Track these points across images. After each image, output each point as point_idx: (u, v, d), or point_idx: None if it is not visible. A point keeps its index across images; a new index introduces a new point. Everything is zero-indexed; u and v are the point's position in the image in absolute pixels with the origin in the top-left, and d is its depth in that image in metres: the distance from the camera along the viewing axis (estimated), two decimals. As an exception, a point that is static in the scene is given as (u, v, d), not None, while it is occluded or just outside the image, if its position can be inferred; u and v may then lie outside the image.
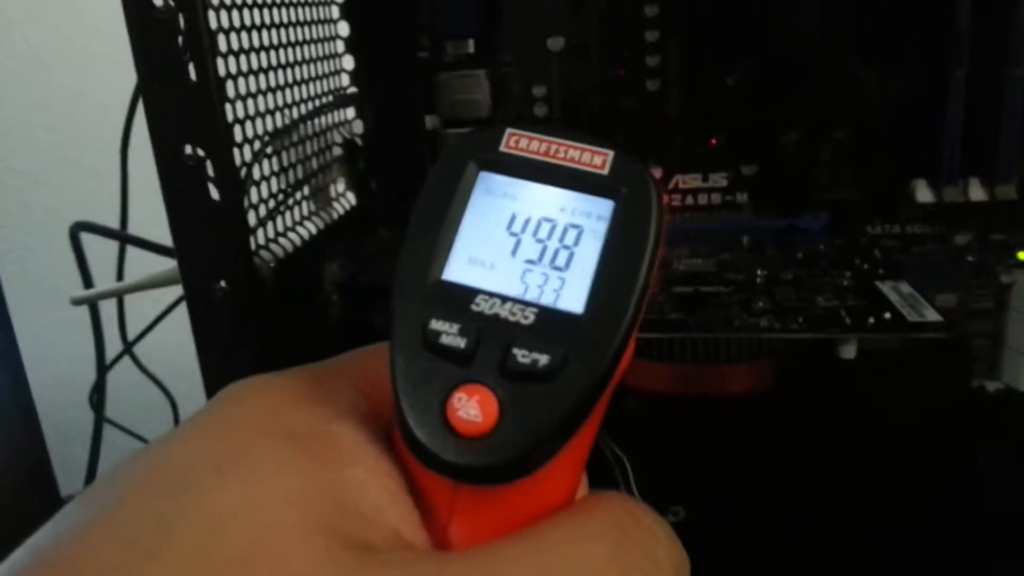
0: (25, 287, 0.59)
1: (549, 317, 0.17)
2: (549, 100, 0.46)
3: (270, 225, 0.31)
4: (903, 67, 0.42)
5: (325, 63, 0.39)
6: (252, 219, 0.30)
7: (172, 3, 0.22)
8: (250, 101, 0.29)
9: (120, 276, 0.53)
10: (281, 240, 0.32)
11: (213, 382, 0.28)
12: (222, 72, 0.25)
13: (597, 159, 0.18)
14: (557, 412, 0.16)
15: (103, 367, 0.53)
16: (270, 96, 0.31)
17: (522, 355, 0.16)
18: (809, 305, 0.35)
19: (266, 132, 0.32)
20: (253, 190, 0.29)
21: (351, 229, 0.40)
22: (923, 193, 0.43)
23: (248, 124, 0.29)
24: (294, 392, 0.18)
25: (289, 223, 0.34)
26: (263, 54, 0.30)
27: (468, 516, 0.17)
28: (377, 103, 0.43)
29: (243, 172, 0.28)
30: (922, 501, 0.42)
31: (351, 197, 0.41)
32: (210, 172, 0.25)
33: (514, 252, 0.18)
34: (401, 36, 0.43)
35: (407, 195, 0.49)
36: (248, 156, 0.29)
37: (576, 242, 0.18)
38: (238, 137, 0.27)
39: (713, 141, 0.45)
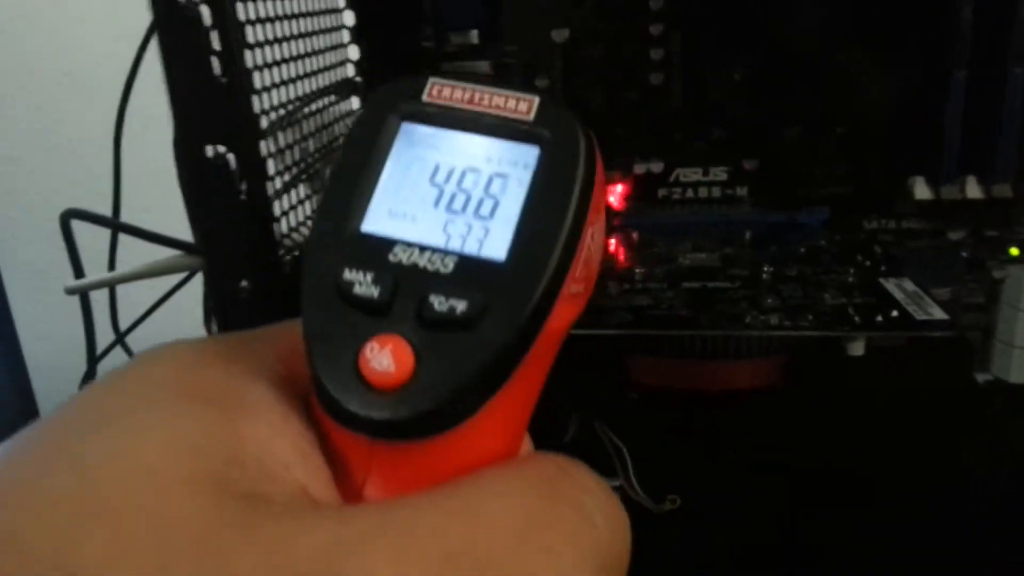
0: (14, 274, 0.57)
1: (470, 265, 0.16)
2: (552, 91, 0.45)
3: (284, 220, 0.31)
4: (904, 65, 0.42)
5: (332, 54, 0.38)
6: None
7: (200, -2, 0.22)
8: (268, 94, 0.28)
9: (112, 264, 0.52)
10: (294, 235, 0.32)
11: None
12: (249, 65, 0.25)
13: (522, 105, 0.17)
14: (476, 361, 0.15)
15: (94, 357, 0.52)
16: (285, 89, 0.31)
17: (439, 302, 0.16)
18: (817, 302, 0.36)
19: (278, 125, 0.31)
20: (269, 185, 0.29)
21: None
22: (921, 190, 0.43)
23: (265, 118, 0.28)
24: (208, 353, 0.17)
25: (301, 218, 0.33)
26: (282, 45, 0.30)
27: (385, 476, 0.16)
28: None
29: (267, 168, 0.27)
30: (914, 495, 0.43)
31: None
32: (234, 169, 0.24)
33: (436, 203, 0.17)
34: (406, 26, 0.43)
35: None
36: (269, 151, 0.28)
37: (502, 191, 0.17)
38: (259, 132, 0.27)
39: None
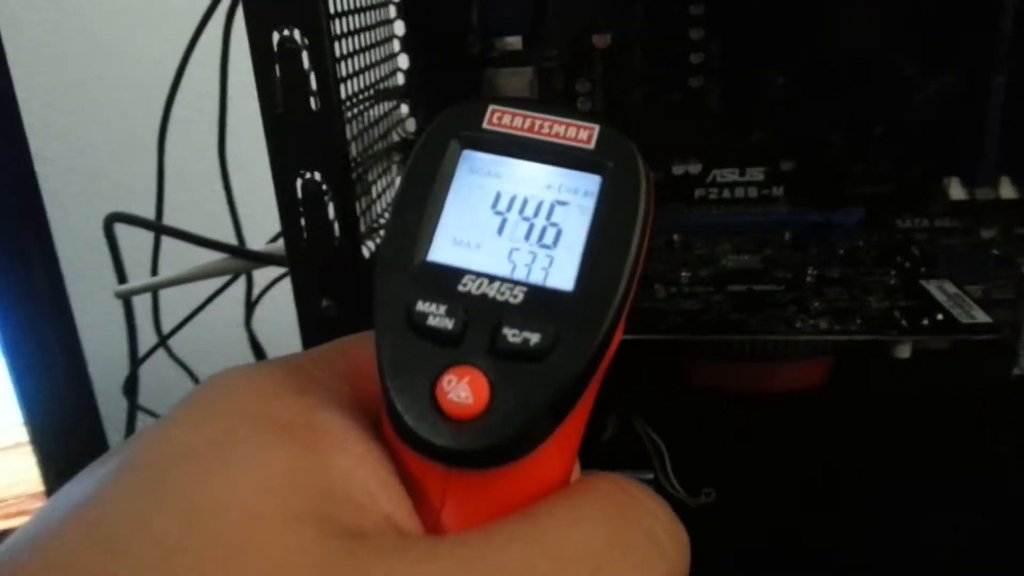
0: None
1: (539, 295, 0.17)
2: (592, 95, 0.46)
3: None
4: (943, 68, 0.43)
5: (386, 64, 0.39)
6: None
7: (298, 33, 0.23)
8: (354, 121, 0.29)
9: (155, 268, 0.53)
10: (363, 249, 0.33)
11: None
12: (343, 95, 0.26)
13: (583, 133, 0.18)
14: (549, 392, 0.16)
15: (136, 359, 0.53)
16: (368, 111, 0.31)
17: (512, 334, 0.16)
18: (863, 305, 0.37)
19: (364, 147, 0.32)
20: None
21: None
22: (956, 190, 0.44)
23: (353, 144, 0.29)
24: (276, 381, 0.17)
25: (364, 230, 0.34)
26: (365, 74, 0.30)
27: (461, 501, 0.16)
28: (428, 100, 0.44)
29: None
30: (950, 491, 0.44)
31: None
32: (327, 195, 0.25)
33: (500, 231, 0.18)
34: (454, 34, 0.43)
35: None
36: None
37: (564, 219, 0.17)
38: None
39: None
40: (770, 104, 0.45)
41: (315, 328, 0.26)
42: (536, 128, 0.18)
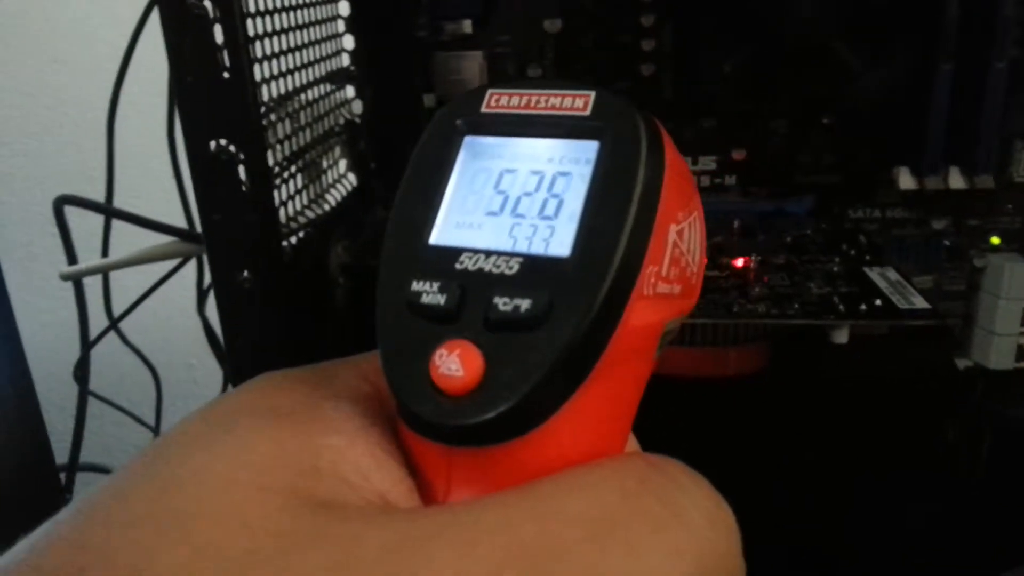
0: (5, 259, 0.58)
1: (534, 264, 0.16)
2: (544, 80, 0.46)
3: (283, 210, 0.31)
4: (891, 57, 0.43)
5: (328, 44, 0.39)
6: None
7: (208, 3, 0.22)
8: (267, 86, 0.29)
9: (105, 251, 0.52)
10: (292, 224, 0.33)
11: (240, 369, 0.28)
12: (256, 57, 0.25)
13: (579, 101, 0.17)
14: (545, 360, 0.15)
15: (87, 342, 0.53)
16: (284, 80, 0.31)
17: (503, 303, 0.15)
18: (803, 291, 0.37)
19: (277, 117, 0.32)
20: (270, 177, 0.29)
21: (353, 210, 0.40)
22: (905, 180, 0.44)
23: (266, 110, 0.29)
24: (294, 378, 0.18)
25: (299, 207, 0.34)
26: (282, 37, 0.30)
27: (467, 482, 0.16)
28: (376, 83, 0.43)
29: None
30: (899, 478, 0.44)
31: (352, 178, 0.41)
32: (241, 163, 0.25)
33: (502, 209, 0.17)
34: (400, 15, 0.43)
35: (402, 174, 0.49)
36: (270, 143, 0.29)
37: (565, 189, 0.17)
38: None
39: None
40: (720, 93, 0.45)
41: (232, 301, 0.26)
42: (533, 104, 0.18)
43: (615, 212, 0.16)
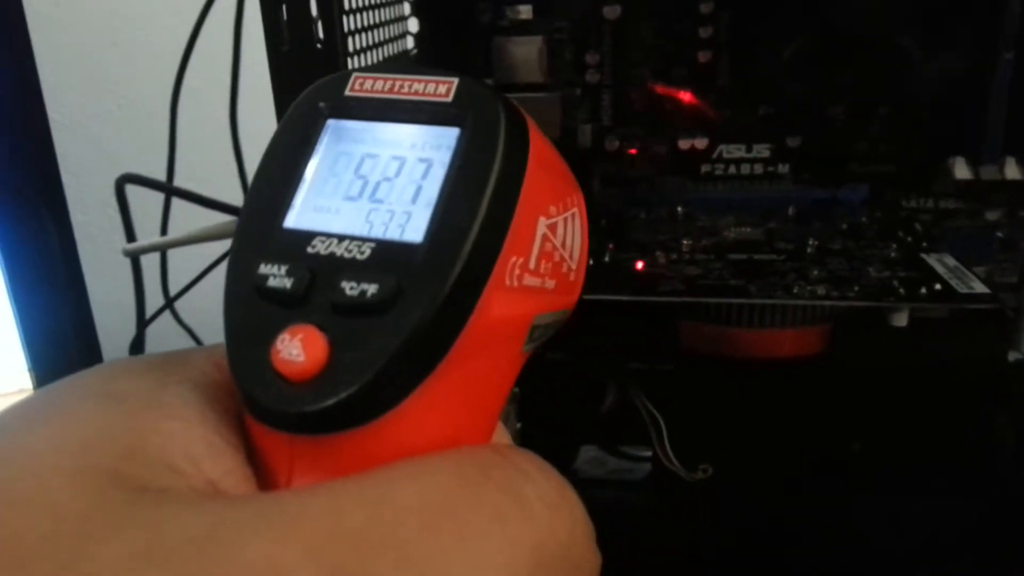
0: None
1: (386, 249, 0.16)
2: (601, 67, 0.47)
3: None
4: (950, 46, 0.43)
5: (395, 26, 0.40)
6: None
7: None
8: (357, 59, 0.29)
9: (165, 230, 0.53)
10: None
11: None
12: (347, 31, 0.26)
13: (441, 88, 0.17)
14: (390, 346, 0.14)
15: (143, 321, 0.54)
16: (369, 55, 0.32)
17: (350, 287, 0.15)
18: (862, 275, 0.37)
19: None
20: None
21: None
22: (961, 170, 0.44)
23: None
24: (145, 363, 0.17)
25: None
26: (367, 13, 0.31)
27: (310, 473, 0.15)
28: (437, 65, 0.44)
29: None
30: (948, 468, 0.44)
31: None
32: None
33: (360, 194, 0.17)
34: (465, 0, 0.44)
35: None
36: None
37: (424, 176, 0.17)
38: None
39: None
40: (776, 80, 0.45)
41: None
42: (396, 89, 0.17)
43: (469, 199, 0.16)
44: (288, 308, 0.15)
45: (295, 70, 0.24)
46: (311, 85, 0.18)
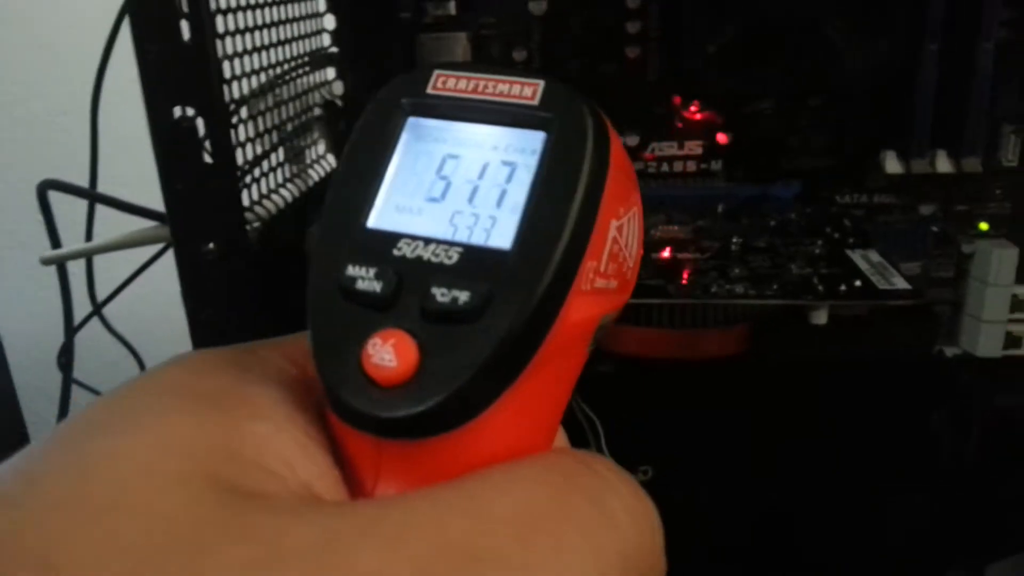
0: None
1: (474, 255, 0.16)
2: (529, 64, 0.46)
3: (255, 187, 0.31)
4: (878, 38, 0.42)
5: (307, 22, 0.38)
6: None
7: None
8: (239, 60, 0.29)
9: (89, 236, 0.52)
10: (265, 203, 0.32)
11: (203, 344, 0.28)
12: (220, 30, 0.25)
13: (527, 90, 0.17)
14: (482, 354, 0.15)
15: (71, 328, 0.53)
16: (257, 56, 0.31)
17: (441, 294, 0.15)
18: (783, 272, 0.36)
19: (250, 92, 0.32)
20: (239, 152, 0.29)
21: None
22: (892, 164, 0.44)
23: (236, 84, 0.28)
24: (220, 359, 0.17)
25: (272, 185, 0.33)
26: (253, 12, 0.30)
27: (397, 475, 0.16)
28: (358, 64, 0.43)
29: (234, 133, 0.28)
30: (881, 464, 0.44)
31: (331, 160, 0.41)
32: (202, 133, 0.25)
33: (443, 195, 0.17)
34: (383, -3, 0.43)
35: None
36: (239, 117, 0.28)
37: (508, 179, 0.17)
38: (228, 97, 0.27)
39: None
40: (704, 75, 0.45)
41: (195, 273, 0.26)
42: (480, 89, 0.17)
43: (558, 206, 0.16)
44: (377, 311, 0.15)
45: (163, 69, 0.23)
46: (392, 80, 0.18)
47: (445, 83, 0.17)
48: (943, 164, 0.44)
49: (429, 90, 0.17)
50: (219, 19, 0.26)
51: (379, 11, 0.43)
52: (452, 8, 0.44)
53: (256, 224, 0.31)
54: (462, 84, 0.17)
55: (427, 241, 0.16)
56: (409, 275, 0.16)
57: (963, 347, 0.47)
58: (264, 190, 0.32)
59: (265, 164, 0.33)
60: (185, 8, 0.24)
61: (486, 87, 0.17)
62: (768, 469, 0.45)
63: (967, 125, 0.42)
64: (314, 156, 0.39)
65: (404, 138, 0.17)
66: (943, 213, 0.46)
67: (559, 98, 0.17)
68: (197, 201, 0.25)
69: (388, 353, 0.15)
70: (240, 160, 0.29)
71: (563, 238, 0.15)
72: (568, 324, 0.16)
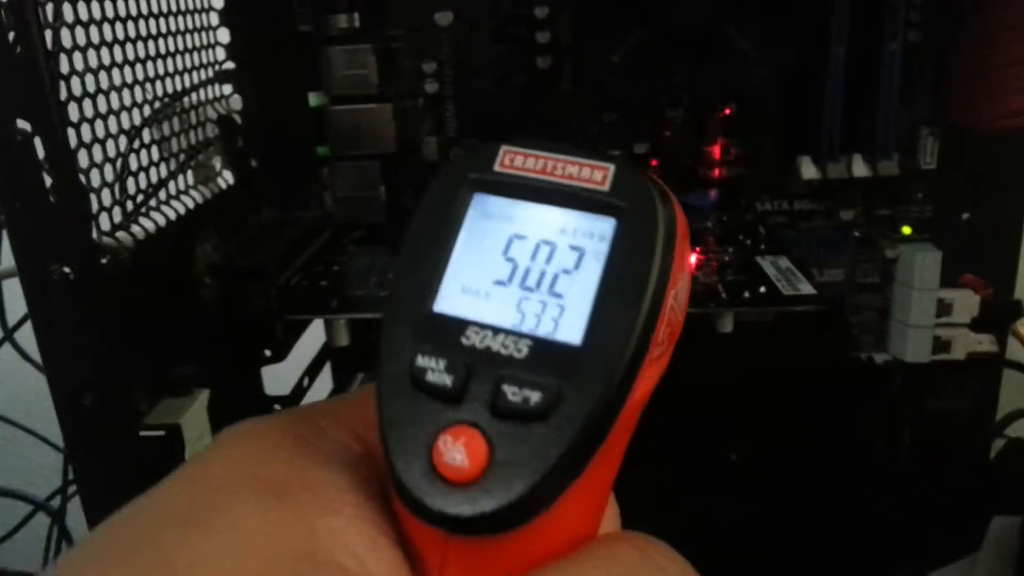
0: None
1: (544, 349, 0.16)
2: (440, 76, 0.45)
3: (120, 208, 0.30)
4: (784, 42, 0.42)
5: (195, 35, 0.37)
6: (107, 198, 0.28)
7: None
8: (94, 76, 0.27)
9: (-4, 260, 0.50)
10: (143, 220, 0.31)
11: (56, 370, 0.26)
12: (67, 44, 0.24)
13: (597, 174, 0.17)
14: (552, 455, 0.15)
15: (-17, 356, 0.51)
16: (118, 72, 0.29)
17: (512, 392, 0.15)
18: (689, 281, 0.35)
19: (120, 107, 0.30)
20: (96, 171, 0.28)
21: (229, 209, 0.38)
22: (808, 170, 0.43)
23: (89, 101, 0.27)
24: (279, 435, 0.17)
25: (152, 203, 0.32)
26: (113, 25, 0.29)
27: (462, 568, 0.16)
28: (257, 78, 0.42)
29: (90, 150, 0.26)
30: (814, 468, 0.43)
31: (228, 176, 0.39)
32: (40, 150, 0.23)
33: (510, 279, 0.17)
34: (280, 8, 0.42)
35: (291, 174, 0.47)
36: (98, 133, 0.27)
37: (577, 266, 0.17)
38: (77, 114, 0.26)
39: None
40: (614, 84, 0.44)
41: (42, 296, 0.24)
42: (549, 169, 0.17)
43: (628, 302, 0.15)
44: (446, 404, 0.15)
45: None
46: (456, 154, 0.18)
47: (513, 160, 0.17)
48: (859, 168, 0.43)
49: (496, 167, 0.17)
50: (65, 32, 0.25)
51: (277, 24, 0.42)
52: (357, 20, 0.43)
53: (129, 244, 0.29)
54: (530, 163, 0.17)
55: (495, 331, 0.16)
56: (478, 367, 0.16)
57: (892, 353, 0.47)
58: (137, 209, 0.31)
59: (134, 184, 0.31)
60: (9, 19, 0.22)
61: (555, 168, 0.17)
62: (698, 477, 0.44)
63: (879, 128, 0.41)
64: (208, 173, 0.38)
65: (471, 214, 0.17)
66: (865, 218, 0.46)
67: (630, 184, 0.16)
68: (37, 221, 0.24)
69: (459, 452, 0.15)
70: (97, 180, 0.27)
71: (634, 336, 0.15)
72: (632, 405, 0.16)
